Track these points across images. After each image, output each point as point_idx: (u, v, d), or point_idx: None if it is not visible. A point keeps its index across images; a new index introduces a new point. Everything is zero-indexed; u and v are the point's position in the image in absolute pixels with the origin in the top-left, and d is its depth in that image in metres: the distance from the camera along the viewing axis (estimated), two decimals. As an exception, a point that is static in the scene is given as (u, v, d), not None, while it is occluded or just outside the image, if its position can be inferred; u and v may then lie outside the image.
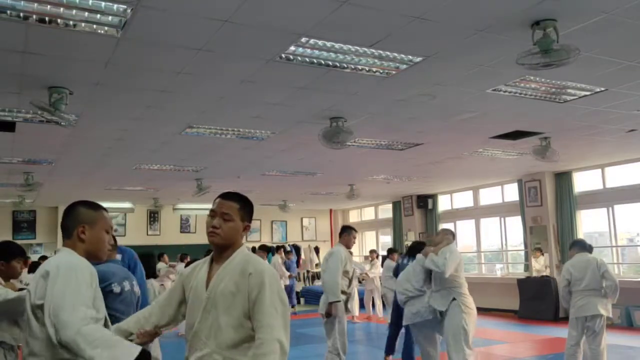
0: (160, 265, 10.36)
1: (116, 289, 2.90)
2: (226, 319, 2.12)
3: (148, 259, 5.13)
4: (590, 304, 5.51)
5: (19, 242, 4.00)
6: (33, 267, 9.28)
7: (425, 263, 5.32)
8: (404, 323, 5.84)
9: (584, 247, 5.83)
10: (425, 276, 5.50)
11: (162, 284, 8.69)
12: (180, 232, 15.85)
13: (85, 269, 2.10)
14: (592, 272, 5.52)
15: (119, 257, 3.48)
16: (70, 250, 2.18)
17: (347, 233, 5.99)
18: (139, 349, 1.99)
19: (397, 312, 6.59)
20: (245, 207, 2.33)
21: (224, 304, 2.14)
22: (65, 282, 2.01)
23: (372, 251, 12.49)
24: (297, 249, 16.36)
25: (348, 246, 5.96)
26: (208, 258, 2.34)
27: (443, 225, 13.73)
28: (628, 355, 6.89)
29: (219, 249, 2.28)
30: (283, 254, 13.87)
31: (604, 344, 5.53)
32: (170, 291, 2.40)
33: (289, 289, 13.56)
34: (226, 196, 2.32)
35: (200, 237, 15.43)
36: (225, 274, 2.20)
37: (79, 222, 2.23)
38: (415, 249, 6.30)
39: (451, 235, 5.49)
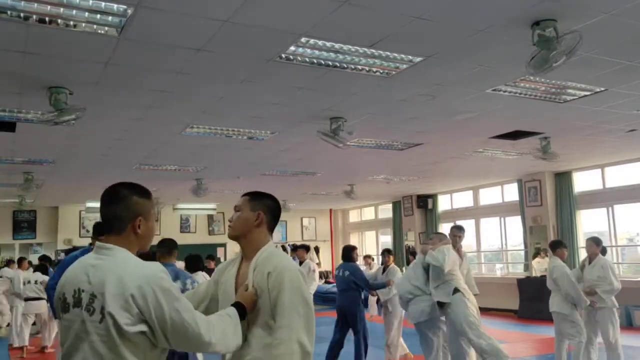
0: None
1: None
2: (253, 319, 2.10)
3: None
4: (551, 301, 5.95)
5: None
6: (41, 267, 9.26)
7: (425, 259, 5.59)
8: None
9: (550, 250, 6.25)
10: (424, 274, 5.75)
11: None
12: (180, 232, 15.83)
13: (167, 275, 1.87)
14: (548, 275, 5.99)
15: None
16: (126, 250, 1.86)
17: (451, 233, 6.41)
18: (233, 309, 2.02)
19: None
20: (256, 198, 2.30)
21: None
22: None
23: (366, 257, 12.35)
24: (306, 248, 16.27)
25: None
26: (240, 255, 2.33)
27: (443, 226, 13.74)
28: (628, 355, 6.86)
29: (240, 243, 2.28)
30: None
31: (576, 340, 5.75)
32: (206, 286, 2.38)
33: None
34: (243, 195, 2.35)
35: (200, 237, 15.31)
36: (249, 274, 2.19)
37: (137, 214, 1.90)
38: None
39: (455, 233, 6.17)
